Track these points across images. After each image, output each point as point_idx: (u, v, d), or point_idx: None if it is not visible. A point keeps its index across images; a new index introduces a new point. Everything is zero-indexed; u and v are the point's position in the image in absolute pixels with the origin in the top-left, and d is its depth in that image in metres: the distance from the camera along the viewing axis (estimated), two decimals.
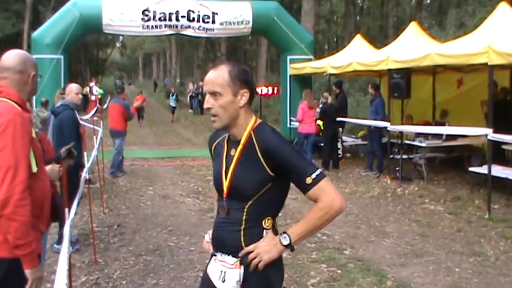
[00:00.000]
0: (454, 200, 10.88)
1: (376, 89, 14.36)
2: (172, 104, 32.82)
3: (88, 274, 6.87)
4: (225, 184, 2.94)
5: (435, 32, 26.96)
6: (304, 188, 2.77)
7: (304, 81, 19.22)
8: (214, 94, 2.85)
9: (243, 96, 2.88)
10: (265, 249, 2.85)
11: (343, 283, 6.40)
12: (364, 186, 12.36)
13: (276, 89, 20.12)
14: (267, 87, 20.48)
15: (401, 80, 12.13)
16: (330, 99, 15.16)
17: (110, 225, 9.27)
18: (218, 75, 2.86)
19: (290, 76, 19.17)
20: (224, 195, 2.97)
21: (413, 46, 13.20)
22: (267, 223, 2.91)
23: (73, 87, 8.32)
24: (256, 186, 2.84)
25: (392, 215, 9.90)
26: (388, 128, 12.83)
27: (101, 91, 34.10)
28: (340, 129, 15.64)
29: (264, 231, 2.91)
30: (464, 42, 11.52)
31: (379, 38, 40.53)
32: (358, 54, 15.40)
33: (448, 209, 10.24)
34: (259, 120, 2.96)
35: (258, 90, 19.70)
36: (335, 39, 56.06)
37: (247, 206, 2.89)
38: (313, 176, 2.75)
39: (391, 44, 15.43)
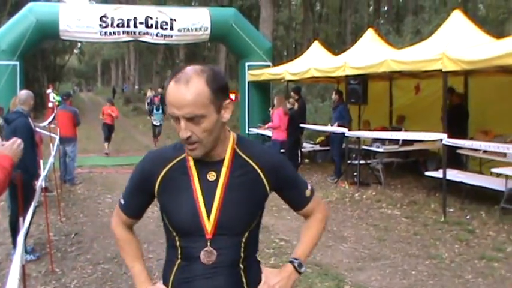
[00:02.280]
0: (410, 204, 11.03)
1: (340, 95, 14.30)
2: (157, 121, 22.28)
3: (44, 284, 6.79)
4: (209, 222, 2.25)
5: (392, 38, 27.32)
6: (302, 202, 2.51)
7: (262, 87, 19.29)
8: (193, 119, 2.11)
9: (227, 108, 2.21)
10: (281, 284, 2.40)
11: None
12: (323, 191, 12.43)
13: (234, 95, 20.13)
14: None
15: (358, 86, 12.27)
16: (295, 106, 15.23)
17: (67, 233, 9.16)
18: (196, 94, 2.09)
19: (248, 82, 19.20)
20: (207, 237, 2.26)
21: (370, 52, 13.38)
22: (258, 256, 2.46)
23: (29, 94, 8.22)
24: (255, 213, 2.35)
25: (350, 220, 9.98)
26: (346, 134, 12.93)
27: (58, 98, 33.65)
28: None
29: (259, 265, 2.44)
30: (419, 48, 11.72)
31: (338, 45, 40.91)
32: (316, 61, 15.50)
33: (405, 213, 10.37)
34: (231, 131, 2.37)
35: None
36: (294, 46, 56.37)
37: (243, 241, 2.31)
38: (309, 187, 2.54)
39: (348, 51, 15.62)
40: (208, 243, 2.25)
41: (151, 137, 22.59)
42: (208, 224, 2.24)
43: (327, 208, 2.66)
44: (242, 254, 2.30)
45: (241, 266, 2.31)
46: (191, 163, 2.29)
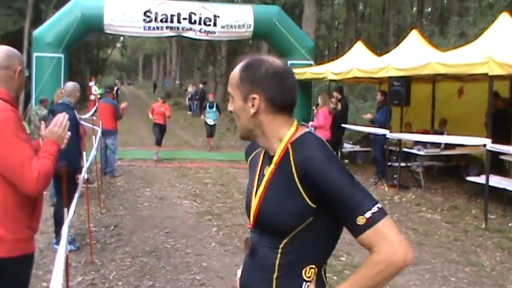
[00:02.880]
0: (451, 209, 10.90)
1: (385, 96, 13.99)
2: (210, 121, 20.12)
3: (84, 274, 6.87)
4: (252, 209, 2.29)
5: (436, 40, 27.01)
6: (355, 230, 2.04)
7: (304, 86, 19.21)
8: (231, 97, 2.29)
9: (253, 103, 2.20)
10: None
11: None
12: None
13: None
14: None
15: (401, 88, 12.16)
16: (339, 106, 15.18)
17: (107, 225, 9.27)
18: (233, 74, 2.26)
19: None
20: (249, 226, 2.34)
21: (414, 54, 13.24)
22: (308, 273, 2.19)
23: (76, 86, 8.35)
24: (291, 219, 2.14)
25: None
26: (387, 136, 12.82)
27: (100, 91, 34.04)
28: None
29: (304, 284, 2.19)
30: (464, 51, 11.55)
31: (380, 45, 40.55)
32: (358, 61, 15.40)
33: (445, 217, 10.25)
34: (303, 130, 2.26)
35: None
36: (335, 45, 56.08)
37: (281, 246, 2.18)
38: (368, 214, 2.00)
39: (391, 52, 15.48)
40: (251, 232, 2.33)
41: (191, 132, 22.48)
42: (252, 213, 2.28)
43: (401, 250, 1.97)
44: (277, 261, 2.20)
45: (275, 274, 2.20)
46: (262, 154, 2.37)
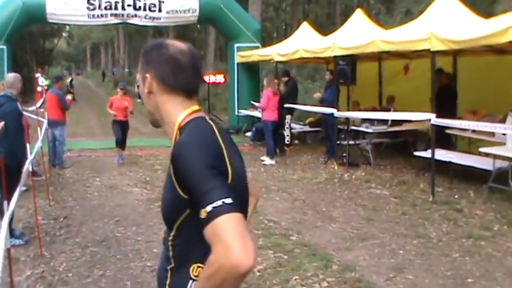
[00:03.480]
0: (399, 184, 11.07)
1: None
2: None
3: (33, 268, 6.76)
4: None
5: (383, 18, 27.28)
6: (200, 224, 1.81)
7: (251, 69, 19.27)
8: None
9: (146, 81, 2.19)
10: None
11: (289, 268, 6.46)
12: (312, 172, 12.47)
13: (223, 77, 20.10)
14: (214, 75, 20.46)
15: (347, 67, 12.25)
16: (281, 87, 15.23)
17: (56, 217, 9.14)
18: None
19: (237, 64, 19.17)
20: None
21: (359, 33, 13.35)
22: (196, 271, 2.07)
23: (17, 77, 8.17)
24: (171, 211, 2.08)
25: (339, 200, 10.01)
26: (335, 114, 12.92)
27: (47, 82, 33.41)
28: (290, 116, 15.69)
29: (191, 282, 2.08)
30: (407, 29, 11.70)
31: (327, 26, 40.67)
32: (304, 42, 15.46)
33: (394, 193, 10.42)
34: (195, 115, 2.16)
35: (206, 78, 19.66)
36: (284, 27, 56.16)
37: (171, 239, 2.13)
38: (209, 208, 1.78)
39: (337, 31, 15.58)
40: None
41: (140, 120, 22.17)
42: None
43: (236, 252, 1.69)
44: (171, 253, 2.15)
45: (171, 264, 2.15)
46: None
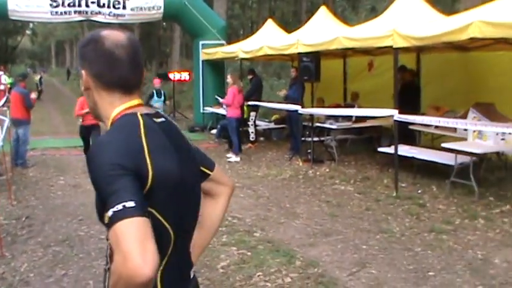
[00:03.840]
0: (363, 180, 11.14)
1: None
2: None
3: None
4: None
5: (348, 16, 27.46)
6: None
7: (216, 66, 19.23)
8: None
9: (82, 78, 2.09)
10: None
11: (252, 265, 6.46)
12: (277, 169, 12.48)
13: (188, 74, 20.06)
14: (179, 73, 20.39)
15: (311, 64, 12.28)
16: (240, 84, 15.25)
17: (18, 217, 8.99)
18: None
19: (202, 61, 19.12)
20: None
21: (323, 30, 13.41)
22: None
23: None
24: (99, 209, 1.93)
25: (303, 197, 10.03)
26: (299, 111, 12.96)
27: (10, 80, 32.95)
28: (254, 113, 15.72)
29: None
30: (371, 26, 11.79)
31: (293, 23, 40.85)
32: (269, 39, 15.50)
33: (358, 188, 10.48)
34: (129, 111, 2.04)
35: (171, 76, 19.61)
36: (250, 25, 56.17)
37: (107, 237, 1.89)
38: (110, 212, 1.67)
39: (301, 28, 15.66)
40: None
41: None
42: None
43: (134, 260, 1.58)
44: (109, 251, 2.04)
45: (108, 265, 2.07)
46: None
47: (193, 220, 2.20)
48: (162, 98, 17.11)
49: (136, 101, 2.07)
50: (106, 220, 1.69)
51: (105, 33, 2.06)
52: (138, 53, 2.10)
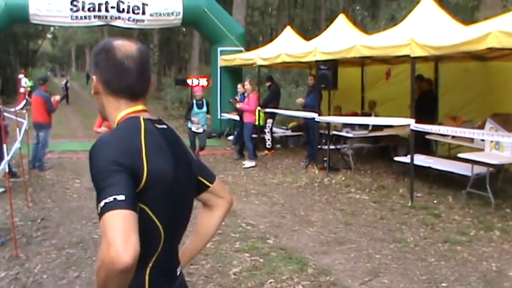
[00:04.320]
0: (379, 189, 11.10)
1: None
2: (198, 126, 13.69)
3: (8, 269, 6.72)
4: None
5: (367, 24, 27.41)
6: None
7: (234, 73, 19.27)
8: None
9: (93, 83, 2.26)
10: None
11: (264, 271, 6.46)
12: (292, 176, 12.47)
13: (206, 80, 20.06)
14: (197, 79, 20.40)
15: (328, 72, 12.27)
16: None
17: (34, 219, 9.08)
18: None
19: (221, 68, 19.17)
20: None
21: (341, 38, 13.40)
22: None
23: None
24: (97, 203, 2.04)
25: (318, 205, 10.02)
26: (316, 119, 12.95)
27: (30, 83, 33.23)
28: (271, 120, 15.73)
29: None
30: (389, 34, 11.75)
31: (313, 31, 40.91)
32: (287, 46, 15.49)
33: (373, 197, 10.45)
34: (133, 114, 2.21)
35: (189, 81, 19.59)
36: (269, 32, 56.24)
37: None
38: (102, 203, 1.83)
39: (319, 36, 15.64)
40: None
41: None
42: None
43: (116, 249, 1.74)
44: None
45: None
46: None
47: (184, 222, 2.34)
48: (205, 108, 13.85)
49: (140, 107, 2.25)
50: (98, 210, 1.85)
51: (117, 43, 2.24)
52: (147, 63, 2.29)
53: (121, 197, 1.84)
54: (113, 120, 2.23)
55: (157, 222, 2.08)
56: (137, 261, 1.80)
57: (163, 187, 2.08)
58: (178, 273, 2.34)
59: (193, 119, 13.51)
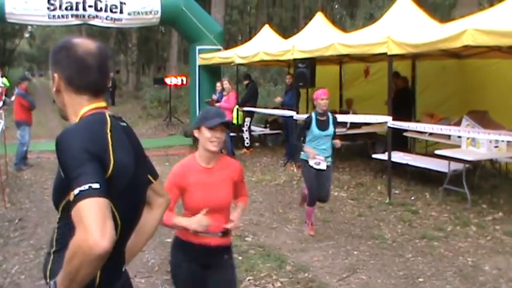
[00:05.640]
0: (357, 186, 11.16)
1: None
2: (316, 162, 7.93)
3: None
4: None
5: (347, 23, 27.53)
6: (71, 207, 1.88)
7: (213, 71, 19.21)
8: None
9: (54, 80, 2.27)
10: None
11: (243, 269, 6.45)
12: (271, 174, 12.49)
13: (185, 79, 20.05)
14: (176, 77, 20.38)
15: (306, 70, 12.30)
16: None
17: (11, 219, 9.02)
18: None
19: (199, 66, 19.12)
20: None
21: (319, 36, 13.42)
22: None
23: None
24: (56, 193, 2.21)
25: (297, 202, 10.01)
26: (294, 117, 12.97)
27: (7, 83, 32.87)
28: (249, 118, 15.74)
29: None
30: (367, 32, 11.79)
31: (291, 29, 40.94)
32: (265, 44, 15.49)
33: (351, 195, 10.50)
34: (97, 110, 2.24)
35: (168, 80, 19.60)
36: (248, 30, 56.20)
37: (57, 221, 2.23)
38: (77, 191, 1.85)
39: (297, 34, 15.67)
40: None
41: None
42: None
43: (93, 236, 1.79)
44: (56, 236, 2.23)
45: (54, 247, 2.23)
46: None
47: (138, 219, 2.41)
48: (331, 129, 8.49)
49: (103, 104, 2.30)
50: (71, 197, 1.86)
51: (77, 41, 2.28)
52: (107, 61, 2.32)
53: (96, 185, 1.88)
54: (76, 116, 2.23)
55: (116, 215, 2.11)
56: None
57: (125, 181, 2.13)
58: (123, 270, 2.38)
59: (308, 149, 8.08)
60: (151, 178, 2.53)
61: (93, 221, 1.80)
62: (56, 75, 2.26)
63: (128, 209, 2.20)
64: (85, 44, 2.27)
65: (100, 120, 2.17)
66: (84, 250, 1.78)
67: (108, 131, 2.13)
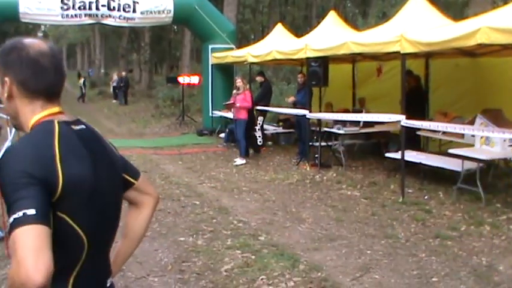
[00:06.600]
0: (370, 185, 11.12)
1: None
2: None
3: (2, 268, 6.70)
4: None
5: (359, 22, 27.44)
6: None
7: (225, 70, 19.25)
8: None
9: (5, 85, 2.09)
10: None
11: (256, 268, 6.47)
12: (284, 173, 12.47)
13: (198, 78, 20.05)
14: (189, 76, 20.40)
15: (319, 69, 12.27)
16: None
17: None
18: None
19: (212, 65, 19.17)
20: None
21: (332, 35, 13.39)
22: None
23: None
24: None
25: (310, 201, 10.03)
26: (307, 116, 12.97)
27: None
28: (262, 117, 15.74)
29: None
30: (380, 31, 11.76)
31: (304, 28, 40.86)
32: (278, 43, 15.50)
33: (364, 194, 10.46)
34: (47, 118, 2.08)
35: (181, 79, 19.61)
36: (261, 29, 56.18)
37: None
38: (11, 219, 1.73)
39: (310, 33, 15.65)
40: None
41: (116, 121, 21.91)
42: None
43: (26, 268, 1.65)
44: None
45: None
46: None
47: (112, 228, 2.24)
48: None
49: (56, 109, 2.13)
50: (7, 226, 1.74)
51: (28, 41, 2.12)
52: (61, 62, 2.17)
53: (31, 211, 1.74)
54: (27, 125, 2.09)
55: (78, 230, 1.98)
56: (55, 275, 1.75)
57: (83, 193, 1.98)
58: (108, 285, 2.23)
59: None
60: (130, 179, 2.38)
61: (26, 253, 1.67)
62: (7, 79, 2.07)
63: (94, 221, 2.05)
64: (37, 44, 2.12)
65: (47, 130, 2.00)
66: (17, 285, 1.67)
67: (56, 142, 1.97)
